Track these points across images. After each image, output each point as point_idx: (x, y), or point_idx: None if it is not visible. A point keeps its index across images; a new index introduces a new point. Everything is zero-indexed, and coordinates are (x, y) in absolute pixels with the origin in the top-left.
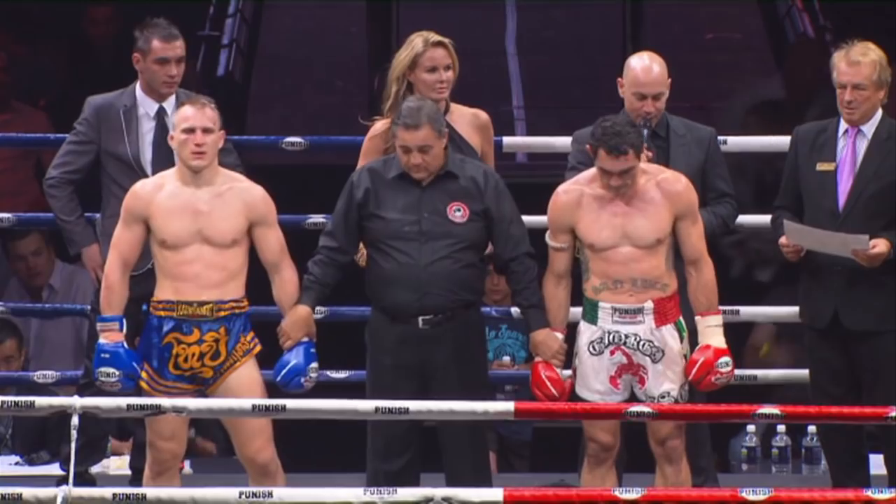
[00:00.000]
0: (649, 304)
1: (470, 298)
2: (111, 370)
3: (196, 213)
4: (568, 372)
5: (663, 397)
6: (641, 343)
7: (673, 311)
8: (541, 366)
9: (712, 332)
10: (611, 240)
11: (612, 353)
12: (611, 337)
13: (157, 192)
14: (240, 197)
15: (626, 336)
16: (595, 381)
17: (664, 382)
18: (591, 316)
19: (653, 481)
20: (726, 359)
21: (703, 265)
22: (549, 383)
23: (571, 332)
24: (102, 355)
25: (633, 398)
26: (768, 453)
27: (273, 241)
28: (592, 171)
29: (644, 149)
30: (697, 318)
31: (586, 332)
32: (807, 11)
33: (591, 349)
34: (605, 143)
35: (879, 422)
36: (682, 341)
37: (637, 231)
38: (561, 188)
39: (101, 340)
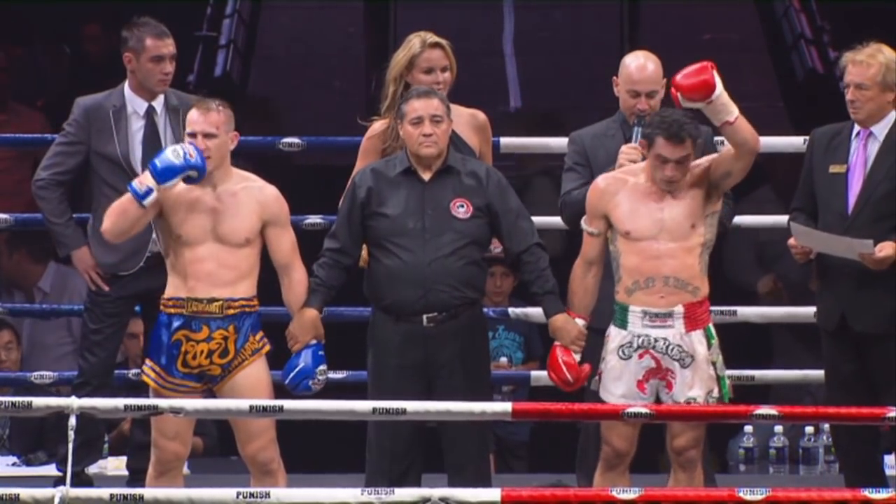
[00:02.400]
0: (679, 309)
1: (473, 296)
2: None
3: (210, 211)
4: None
5: (689, 403)
6: (670, 347)
7: (703, 317)
8: (558, 350)
9: None
10: (648, 231)
11: (640, 356)
12: (640, 341)
13: (175, 185)
14: (253, 196)
15: (656, 340)
16: (618, 385)
17: (691, 388)
18: (622, 320)
19: (653, 481)
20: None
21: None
22: (564, 368)
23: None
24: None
25: (658, 403)
26: (766, 454)
27: (285, 242)
28: (640, 165)
29: (643, 145)
30: None
31: (616, 337)
32: (804, 12)
33: (620, 354)
34: (665, 129)
35: (877, 423)
36: (710, 348)
37: (674, 220)
38: (603, 175)
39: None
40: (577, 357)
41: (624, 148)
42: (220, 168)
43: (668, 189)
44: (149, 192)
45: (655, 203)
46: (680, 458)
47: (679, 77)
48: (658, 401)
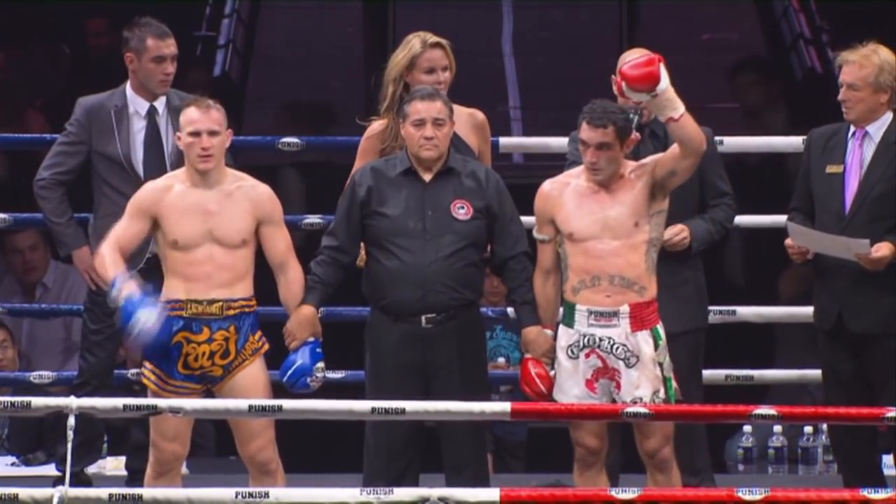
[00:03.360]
0: (625, 308)
1: (471, 297)
2: (142, 315)
3: (206, 213)
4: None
5: (635, 402)
6: (615, 347)
7: (650, 318)
8: (530, 362)
9: None
10: (590, 230)
11: (587, 356)
12: (586, 340)
13: (167, 192)
14: (247, 196)
15: (601, 339)
16: (571, 386)
17: (637, 388)
18: (569, 319)
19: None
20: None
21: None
22: (538, 380)
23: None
24: (128, 309)
25: (612, 402)
26: (765, 454)
27: (279, 241)
28: (582, 167)
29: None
30: None
31: (563, 336)
32: (803, 12)
33: (569, 353)
34: (589, 113)
35: (876, 423)
36: (656, 348)
37: (617, 219)
38: (548, 180)
39: (123, 297)
40: (549, 368)
41: None
42: (217, 168)
43: (595, 178)
44: (117, 281)
45: (597, 203)
46: (653, 459)
47: (625, 67)
48: (612, 400)
